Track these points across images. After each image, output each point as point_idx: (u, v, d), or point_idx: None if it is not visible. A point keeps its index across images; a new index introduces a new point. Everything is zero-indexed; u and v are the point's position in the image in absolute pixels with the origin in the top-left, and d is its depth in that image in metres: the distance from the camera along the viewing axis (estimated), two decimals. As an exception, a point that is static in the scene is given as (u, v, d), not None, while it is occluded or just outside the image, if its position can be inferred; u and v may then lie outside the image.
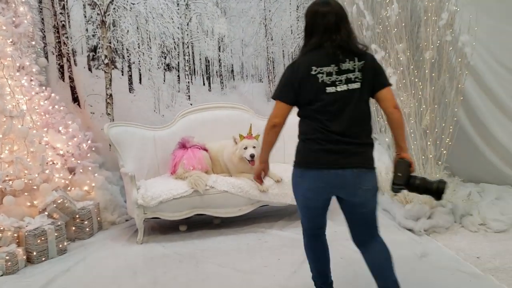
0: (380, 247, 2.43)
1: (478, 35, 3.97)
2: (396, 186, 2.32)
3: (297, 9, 5.60)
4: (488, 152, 4.42)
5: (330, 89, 2.24)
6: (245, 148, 3.95)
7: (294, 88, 2.30)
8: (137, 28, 5.23)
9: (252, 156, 3.90)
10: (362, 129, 2.31)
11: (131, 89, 5.29)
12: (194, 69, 5.51)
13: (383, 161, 4.27)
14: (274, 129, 2.39)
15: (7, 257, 3.31)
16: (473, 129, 4.45)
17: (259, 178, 2.62)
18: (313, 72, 2.25)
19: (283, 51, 5.67)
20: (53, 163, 4.25)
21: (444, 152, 3.88)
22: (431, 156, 3.82)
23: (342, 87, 2.24)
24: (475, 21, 3.84)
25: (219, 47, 5.55)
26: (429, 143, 3.83)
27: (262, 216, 4.36)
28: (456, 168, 4.43)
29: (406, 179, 2.30)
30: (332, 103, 2.24)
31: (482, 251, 3.22)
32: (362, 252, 2.46)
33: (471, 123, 4.45)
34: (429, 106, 3.81)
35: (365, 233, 2.45)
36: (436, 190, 2.30)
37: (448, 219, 3.72)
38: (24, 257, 3.49)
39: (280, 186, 4.02)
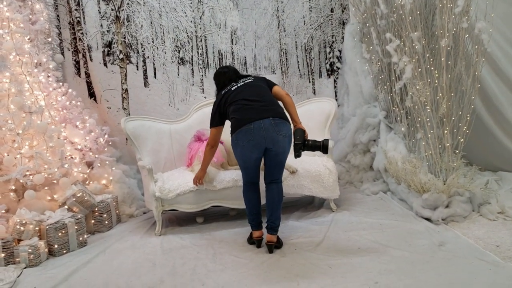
0: (279, 188, 3.39)
1: (495, 21, 3.91)
2: (297, 147, 3.22)
3: (309, 0, 5.57)
4: (505, 140, 4.36)
5: (233, 87, 3.41)
6: None
7: (220, 113, 3.42)
8: (151, 22, 5.27)
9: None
10: (265, 96, 3.34)
11: (146, 84, 5.34)
12: (208, 62, 5.53)
13: (399, 151, 4.25)
14: (211, 149, 3.55)
15: (30, 250, 3.39)
16: (491, 117, 4.40)
17: (199, 181, 3.77)
18: (224, 91, 3.45)
19: (296, 42, 5.65)
20: (72, 157, 4.33)
21: (461, 140, 3.85)
22: (448, 144, 3.79)
23: (240, 83, 3.42)
24: (491, 8, 3.78)
25: (232, 39, 5.56)
26: (446, 131, 3.79)
27: (278, 207, 4.37)
28: (473, 156, 4.39)
29: (302, 141, 3.25)
30: (239, 90, 3.36)
31: (501, 240, 3.19)
32: (267, 189, 3.39)
33: (488, 111, 4.39)
34: (445, 95, 3.77)
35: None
36: (322, 145, 3.27)
37: (466, 208, 3.69)
38: (46, 250, 3.57)
39: (296, 177, 4.03)
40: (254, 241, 3.49)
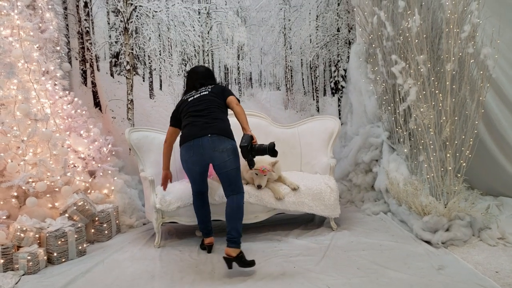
0: (236, 200, 3.37)
1: (501, 47, 3.94)
2: (242, 150, 3.26)
3: (316, 19, 5.63)
4: (508, 165, 4.37)
5: (190, 98, 3.64)
6: (257, 174, 3.99)
7: (176, 117, 3.70)
8: (159, 35, 5.32)
9: (259, 186, 3.98)
10: (212, 112, 3.51)
11: (151, 95, 5.37)
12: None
13: (401, 172, 4.26)
14: (165, 144, 3.77)
15: (29, 257, 3.39)
16: (493, 142, 4.41)
17: (164, 184, 3.81)
18: (184, 98, 3.72)
19: (301, 59, 5.70)
20: (75, 166, 4.34)
21: (464, 164, 3.86)
22: (450, 168, 3.80)
23: (196, 95, 3.62)
24: (497, 34, 3.82)
25: (238, 55, 5.60)
26: (448, 155, 3.80)
27: (278, 223, 4.37)
28: (475, 181, 4.39)
29: (248, 143, 3.26)
30: (192, 103, 3.59)
31: (501, 266, 3.18)
32: (227, 202, 3.42)
33: (491, 136, 4.41)
34: (449, 118, 3.79)
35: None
36: (269, 148, 3.28)
37: (466, 232, 3.68)
38: (45, 257, 3.57)
39: (297, 194, 4.03)
40: (205, 247, 3.79)
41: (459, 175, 3.86)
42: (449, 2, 3.78)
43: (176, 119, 3.72)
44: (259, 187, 3.96)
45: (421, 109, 3.85)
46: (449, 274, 3.06)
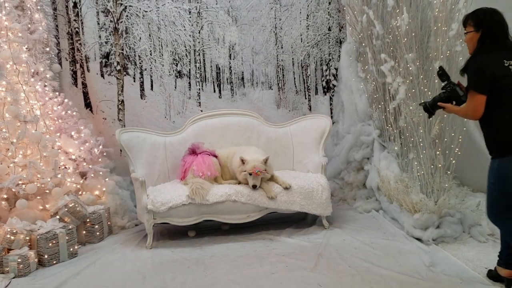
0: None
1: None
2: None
3: (307, 18, 5.64)
4: (498, 162, 4.39)
5: None
6: (250, 174, 3.98)
7: (491, 82, 2.65)
8: (149, 35, 5.31)
9: (254, 186, 3.96)
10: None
11: (142, 96, 5.36)
12: (205, 76, 5.56)
13: (391, 170, 4.27)
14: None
15: (19, 260, 3.37)
16: (483, 139, 4.43)
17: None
18: (506, 64, 2.64)
19: (292, 59, 5.70)
20: (65, 167, 4.32)
21: (453, 161, 3.87)
22: (440, 165, 3.82)
23: None
24: (485, 32, 3.84)
25: (230, 54, 5.60)
26: (438, 152, 3.82)
27: (270, 223, 4.37)
28: (465, 177, 4.41)
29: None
30: None
31: (491, 262, 3.19)
32: None
33: (480, 132, 4.43)
34: (438, 116, 3.81)
35: None
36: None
37: (456, 229, 3.70)
38: (36, 260, 3.55)
39: (289, 193, 4.04)
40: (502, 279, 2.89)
41: (449, 172, 3.88)
42: (437, 1, 3.80)
43: (490, 84, 2.64)
44: (254, 187, 3.95)
45: (411, 107, 3.86)
46: (439, 271, 3.08)
